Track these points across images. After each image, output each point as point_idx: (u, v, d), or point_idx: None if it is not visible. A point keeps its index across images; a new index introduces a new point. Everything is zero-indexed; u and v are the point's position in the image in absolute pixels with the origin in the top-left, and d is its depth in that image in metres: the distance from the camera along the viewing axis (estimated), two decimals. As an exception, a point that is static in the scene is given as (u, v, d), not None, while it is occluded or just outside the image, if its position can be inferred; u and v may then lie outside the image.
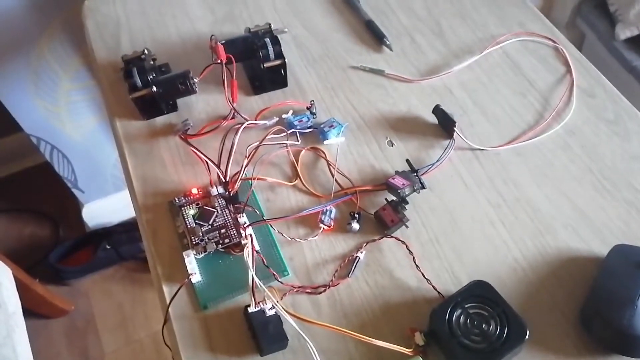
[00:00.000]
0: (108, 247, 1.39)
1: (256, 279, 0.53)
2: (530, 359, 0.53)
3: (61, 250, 1.41)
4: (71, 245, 1.42)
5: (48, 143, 1.26)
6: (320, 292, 0.58)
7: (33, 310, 1.29)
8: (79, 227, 1.46)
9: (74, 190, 1.38)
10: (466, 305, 0.53)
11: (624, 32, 1.45)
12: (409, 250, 0.59)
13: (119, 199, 1.44)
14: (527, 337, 0.51)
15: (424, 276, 0.58)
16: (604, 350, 0.53)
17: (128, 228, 1.42)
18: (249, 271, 0.54)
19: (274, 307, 0.56)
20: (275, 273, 0.58)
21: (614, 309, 0.52)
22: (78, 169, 1.33)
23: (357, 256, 0.60)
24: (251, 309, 0.56)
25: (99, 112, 1.27)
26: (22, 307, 1.09)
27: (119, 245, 1.40)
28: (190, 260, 0.59)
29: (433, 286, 0.57)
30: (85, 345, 1.35)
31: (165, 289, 0.59)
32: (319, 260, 0.60)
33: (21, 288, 1.18)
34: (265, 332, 0.54)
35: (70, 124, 1.25)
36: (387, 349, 0.54)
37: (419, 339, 0.54)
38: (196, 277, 0.59)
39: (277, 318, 0.56)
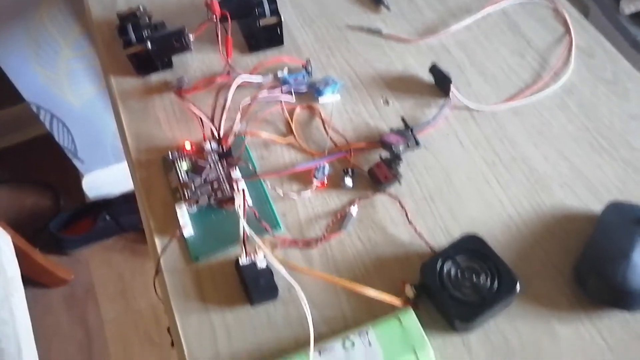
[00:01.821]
0: (108, 218, 1.39)
1: (247, 228, 0.53)
2: (522, 314, 0.53)
3: (61, 219, 1.41)
4: (71, 215, 1.43)
5: (48, 112, 1.26)
6: (313, 247, 0.58)
7: (33, 278, 1.30)
8: (79, 198, 1.47)
9: (74, 161, 1.38)
10: (457, 258, 0.53)
11: (628, 7, 1.43)
12: (402, 206, 0.59)
13: (119, 169, 1.44)
14: (517, 289, 0.51)
15: (416, 232, 0.57)
16: (598, 305, 0.53)
17: (128, 199, 1.43)
18: (240, 221, 0.54)
19: (265, 259, 0.56)
20: (267, 226, 0.58)
21: (608, 264, 0.51)
22: (78, 139, 1.33)
23: (349, 212, 0.59)
24: (242, 261, 0.56)
25: (98, 81, 1.26)
26: (22, 276, 1.10)
27: (119, 215, 1.40)
28: (183, 213, 0.59)
29: (426, 241, 0.57)
30: (85, 314, 1.36)
31: (157, 241, 0.59)
32: (312, 216, 0.60)
33: (21, 256, 1.18)
34: (256, 283, 0.54)
35: (70, 92, 1.25)
36: (379, 302, 0.54)
37: (409, 291, 0.54)
38: (188, 230, 0.59)
39: (267, 270, 0.56)
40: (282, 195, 0.61)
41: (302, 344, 0.51)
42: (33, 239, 1.31)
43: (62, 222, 1.42)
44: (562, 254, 0.56)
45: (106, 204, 1.41)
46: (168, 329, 0.59)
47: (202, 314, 0.55)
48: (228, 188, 0.60)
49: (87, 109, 1.29)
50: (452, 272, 0.52)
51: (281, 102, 0.67)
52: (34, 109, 1.24)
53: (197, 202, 0.59)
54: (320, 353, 0.49)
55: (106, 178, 1.45)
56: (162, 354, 1.30)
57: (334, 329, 0.53)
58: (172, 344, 0.59)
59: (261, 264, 0.56)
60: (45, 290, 1.37)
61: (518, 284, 0.51)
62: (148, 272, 1.40)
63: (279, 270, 0.50)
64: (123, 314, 1.35)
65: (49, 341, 1.32)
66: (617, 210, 0.55)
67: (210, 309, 0.55)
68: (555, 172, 0.61)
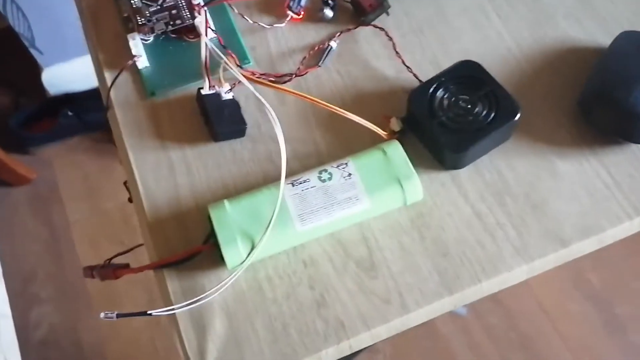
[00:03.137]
0: (70, 114, 1.30)
1: (211, 46, 0.45)
2: (519, 150, 0.47)
3: (22, 116, 1.32)
4: (33, 112, 1.33)
5: (0, -7, 1.15)
6: (286, 81, 0.51)
7: (-7, 176, 1.22)
8: (40, 96, 1.37)
9: (32, 51, 1.27)
10: (450, 85, 0.46)
11: None
12: (389, 37, 0.52)
13: (81, 64, 1.34)
14: (518, 116, 0.45)
15: (404, 64, 0.51)
16: (604, 140, 0.47)
17: (93, 95, 1.33)
18: (202, 41, 0.46)
19: (230, 92, 0.49)
20: (234, 56, 0.50)
21: (619, 88, 0.45)
22: (35, 25, 1.22)
23: (329, 45, 0.52)
24: (204, 91, 0.49)
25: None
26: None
27: (83, 112, 1.31)
28: (136, 43, 0.51)
29: (414, 74, 0.50)
30: (50, 214, 1.29)
31: (107, 75, 0.52)
32: (285, 50, 0.53)
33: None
34: (220, 115, 0.48)
35: (23, -30, 1.13)
36: (357, 137, 0.48)
37: (395, 124, 0.47)
38: (142, 62, 0.51)
39: (233, 102, 0.49)
40: (251, 22, 0.53)
41: (271, 180, 0.45)
42: (-9, 136, 1.22)
43: (23, 119, 1.32)
44: (565, 87, 0.49)
45: (68, 100, 1.32)
46: (125, 182, 0.53)
47: (159, 151, 0.48)
48: (188, 15, 0.52)
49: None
50: (445, 99, 0.46)
51: None
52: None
53: (152, 30, 0.51)
54: (293, 184, 0.43)
55: (67, 73, 1.35)
56: (132, 256, 1.24)
57: (307, 165, 0.46)
58: (130, 200, 0.53)
59: (226, 95, 0.49)
60: (7, 189, 1.29)
61: (519, 112, 0.45)
62: (116, 173, 1.33)
63: (248, 86, 0.43)
64: (90, 215, 1.29)
65: (13, 240, 1.25)
66: (631, 38, 0.49)
67: (168, 146, 0.48)
68: (559, 3, 0.54)
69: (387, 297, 0.42)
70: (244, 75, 0.43)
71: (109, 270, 0.45)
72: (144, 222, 0.46)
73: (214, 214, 0.42)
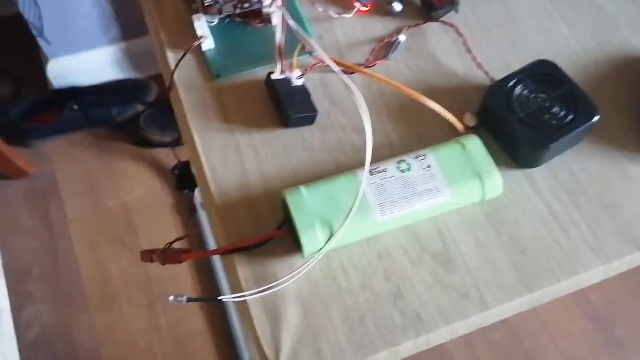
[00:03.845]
0: (75, 108, 1.26)
1: (292, 23, 0.44)
2: (591, 152, 0.47)
3: (24, 107, 1.28)
4: (35, 104, 1.29)
5: (12, -22, 1.12)
6: (353, 72, 0.50)
7: (-10, 167, 1.18)
8: (42, 87, 1.33)
9: (39, 40, 1.24)
10: (528, 83, 0.46)
11: None
12: (459, 33, 0.51)
13: (89, 58, 1.31)
14: (596, 118, 0.45)
15: (475, 61, 0.50)
16: (671, 146, 0.47)
17: (100, 90, 1.30)
18: (278, 22, 0.45)
19: (301, 78, 0.48)
20: (306, 39, 0.49)
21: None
22: (46, 13, 1.19)
23: (397, 38, 0.51)
24: (275, 76, 0.47)
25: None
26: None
27: (89, 107, 1.28)
28: (201, 25, 0.50)
29: (485, 71, 0.50)
30: (47, 210, 1.24)
31: (169, 55, 0.50)
32: (352, 40, 0.52)
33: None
34: (292, 100, 0.46)
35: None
36: (429, 131, 0.47)
37: (469, 119, 0.47)
38: (208, 44, 0.50)
39: (304, 89, 0.48)
40: (319, 11, 0.52)
41: (342, 170, 0.44)
42: (-10, 127, 1.18)
43: (24, 111, 1.28)
44: (632, 94, 0.50)
45: (74, 93, 1.28)
46: (172, 169, 0.51)
47: (226, 133, 0.47)
48: (257, -1, 0.51)
49: (57, -20, 1.14)
50: (523, 96, 0.46)
51: None
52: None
53: (219, 12, 0.50)
54: (371, 173, 0.42)
55: (73, 66, 1.31)
56: (132, 257, 1.21)
57: (379, 156, 0.45)
58: (177, 187, 0.51)
59: (297, 81, 0.48)
60: (4, 182, 1.25)
61: (598, 114, 0.45)
62: (118, 171, 1.29)
63: (333, 67, 0.42)
64: (90, 214, 1.25)
65: (7, 235, 1.20)
66: (698, 48, 0.50)
67: (234, 129, 0.47)
68: (621, 11, 0.54)
69: (465, 291, 0.41)
70: (333, 61, 0.42)
71: (173, 253, 0.43)
72: (212, 206, 0.44)
73: (291, 199, 0.41)
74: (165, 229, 1.18)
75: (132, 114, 1.30)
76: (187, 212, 1.18)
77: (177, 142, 1.28)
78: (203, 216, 1.18)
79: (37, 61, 1.32)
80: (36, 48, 1.27)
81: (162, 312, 1.12)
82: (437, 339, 0.40)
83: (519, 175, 0.46)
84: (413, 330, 0.40)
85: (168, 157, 1.28)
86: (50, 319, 1.14)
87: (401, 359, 0.41)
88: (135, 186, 1.27)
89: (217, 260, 1.14)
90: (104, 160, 1.31)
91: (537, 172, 0.46)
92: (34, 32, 1.22)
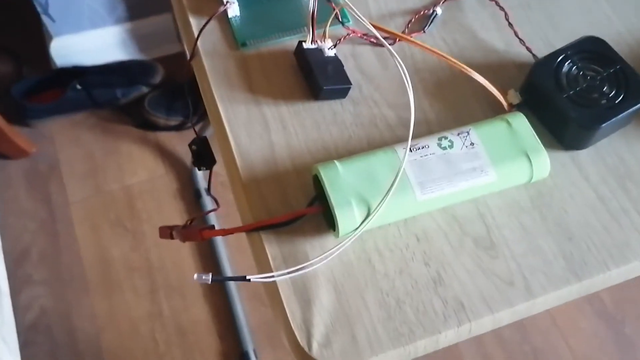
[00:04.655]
0: (79, 88, 1.23)
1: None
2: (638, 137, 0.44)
3: (26, 84, 1.24)
4: (37, 82, 1.26)
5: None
6: (389, 44, 0.47)
7: (-10, 146, 1.14)
8: (44, 66, 1.29)
9: (44, 18, 1.20)
10: (577, 60, 0.43)
11: None
12: (500, 7, 0.48)
13: (94, 37, 1.27)
14: (649, 97, 0.42)
15: (517, 36, 0.47)
16: None
17: (104, 71, 1.26)
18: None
19: (334, 47, 0.45)
20: (338, 12, 0.46)
21: None
22: (51, -10, 1.16)
23: (434, 11, 0.49)
24: (307, 45, 0.44)
25: None
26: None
27: (92, 87, 1.24)
28: (227, -11, 0.47)
29: (527, 47, 0.47)
30: (48, 192, 1.21)
31: (192, 21, 0.47)
32: (385, 12, 0.49)
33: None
34: (325, 71, 0.43)
35: None
36: (466, 108, 0.44)
37: (513, 96, 0.44)
38: (234, 10, 0.47)
39: (337, 60, 0.45)
40: (352, -21, 0.49)
41: (376, 146, 0.41)
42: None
43: (26, 89, 1.24)
44: (683, 77, 0.47)
45: (78, 73, 1.25)
46: (190, 144, 0.48)
47: (251, 104, 0.44)
48: (286, -37, 0.48)
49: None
50: (572, 73, 0.43)
51: None
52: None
53: (246, -24, 0.47)
54: (411, 150, 0.39)
55: (78, 45, 1.28)
56: (135, 242, 1.18)
57: (415, 133, 0.42)
58: (194, 163, 0.48)
59: (329, 52, 0.45)
60: (4, 162, 1.21)
61: (649, 92, 0.42)
62: (122, 153, 1.26)
63: (376, 34, 0.39)
64: (92, 196, 1.21)
65: (6, 216, 1.17)
66: None
67: (260, 100, 0.44)
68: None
69: (510, 279, 0.38)
70: (374, 26, 0.39)
71: (195, 230, 0.40)
72: (237, 181, 0.41)
73: (325, 174, 0.38)
74: (169, 214, 1.15)
75: (137, 96, 1.26)
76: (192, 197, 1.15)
77: (182, 126, 1.25)
78: (208, 202, 1.15)
79: (40, 39, 1.29)
80: (39, 26, 1.23)
81: (165, 299, 1.09)
82: (480, 329, 0.37)
83: (564, 157, 0.43)
84: (455, 319, 0.37)
85: (173, 141, 1.25)
86: (50, 302, 1.11)
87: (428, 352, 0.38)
88: (138, 170, 1.23)
89: (221, 247, 1.12)
90: (107, 142, 1.27)
91: (583, 155, 0.43)
92: (39, 9, 1.19)
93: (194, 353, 1.05)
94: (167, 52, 1.32)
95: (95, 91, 1.25)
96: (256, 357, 1.01)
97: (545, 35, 0.48)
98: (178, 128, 1.25)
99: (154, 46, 1.31)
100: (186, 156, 1.23)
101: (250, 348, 1.01)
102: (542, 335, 1.14)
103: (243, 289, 1.09)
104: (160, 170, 1.22)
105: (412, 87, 0.45)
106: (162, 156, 1.24)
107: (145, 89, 1.26)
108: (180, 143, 1.25)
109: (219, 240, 1.12)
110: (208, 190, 0.45)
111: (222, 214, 1.03)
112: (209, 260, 1.11)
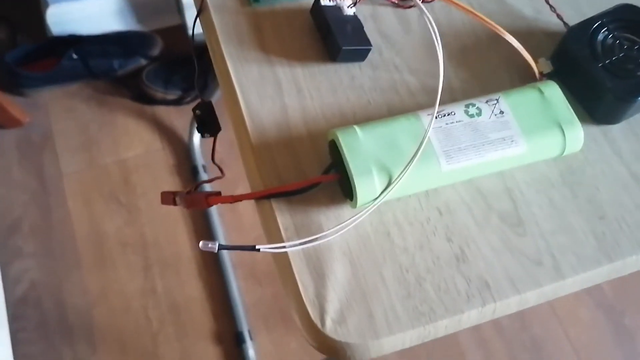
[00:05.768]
0: (75, 57, 1.19)
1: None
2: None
3: (21, 52, 1.20)
4: (32, 50, 1.21)
5: None
6: (410, 6, 0.44)
7: (-19, 114, 1.10)
8: (39, 34, 1.25)
9: (40, -18, 1.16)
10: (612, 27, 0.40)
11: None
12: (530, -30, 0.46)
13: (91, 5, 1.23)
14: (690, 70, 0.39)
15: (548, 3, 0.44)
16: None
17: (101, 41, 1.22)
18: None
19: (353, 6, 0.42)
20: (356, -32, 0.43)
21: None
22: (48, -46, 1.11)
23: (459, -28, 0.45)
24: (325, 2, 0.41)
25: None
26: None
27: (89, 57, 1.20)
28: (240, -60, 0.44)
29: (558, 14, 0.44)
30: (41, 163, 1.17)
31: (202, -27, 0.44)
32: (408, -27, 0.46)
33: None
34: (344, 30, 0.40)
35: None
36: (493, 76, 0.41)
37: (544, 65, 0.41)
38: (246, -37, 0.43)
39: (356, 20, 0.42)
40: None
41: (395, 113, 0.38)
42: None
43: (21, 57, 1.20)
44: None
45: (72, 42, 1.20)
46: (194, 109, 0.45)
47: (263, 64, 0.41)
48: None
49: None
50: (607, 42, 0.40)
51: None
52: None
53: None
54: (436, 117, 0.36)
55: (75, 13, 1.24)
56: (129, 217, 1.15)
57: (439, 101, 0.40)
58: (199, 129, 0.45)
59: (348, 10, 0.41)
60: (-5, 131, 1.18)
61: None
62: (118, 126, 1.22)
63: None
64: (85, 169, 1.18)
65: (-4, 186, 1.14)
66: None
67: (273, 60, 0.41)
68: None
69: (538, 258, 0.36)
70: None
71: (200, 196, 0.37)
72: (247, 144, 0.38)
73: (343, 139, 0.35)
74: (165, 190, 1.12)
75: (135, 68, 1.23)
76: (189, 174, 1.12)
77: (180, 101, 1.21)
78: (206, 178, 1.12)
79: (35, 7, 1.24)
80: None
81: (159, 275, 1.07)
82: (505, 309, 0.35)
83: (596, 131, 0.40)
84: (479, 298, 0.34)
85: (171, 116, 1.21)
86: (40, 276, 1.08)
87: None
88: (134, 143, 1.20)
89: (218, 225, 1.09)
90: (102, 114, 1.24)
91: (616, 130, 0.40)
92: (35, -29, 1.14)
93: (187, 332, 1.03)
94: (166, 24, 1.28)
95: (91, 61, 1.21)
96: (251, 338, 0.98)
97: (576, 4, 0.45)
98: (176, 103, 1.22)
99: (153, 17, 1.27)
100: (184, 132, 1.19)
101: (245, 329, 0.99)
102: (542, 325, 1.12)
103: (239, 267, 1.06)
104: (156, 145, 1.19)
105: (436, 53, 0.42)
106: (159, 130, 1.20)
107: (143, 61, 1.22)
108: (178, 118, 1.21)
109: (216, 218, 1.09)
110: (212, 158, 0.42)
111: (222, 189, 1.01)
112: (205, 238, 1.08)
